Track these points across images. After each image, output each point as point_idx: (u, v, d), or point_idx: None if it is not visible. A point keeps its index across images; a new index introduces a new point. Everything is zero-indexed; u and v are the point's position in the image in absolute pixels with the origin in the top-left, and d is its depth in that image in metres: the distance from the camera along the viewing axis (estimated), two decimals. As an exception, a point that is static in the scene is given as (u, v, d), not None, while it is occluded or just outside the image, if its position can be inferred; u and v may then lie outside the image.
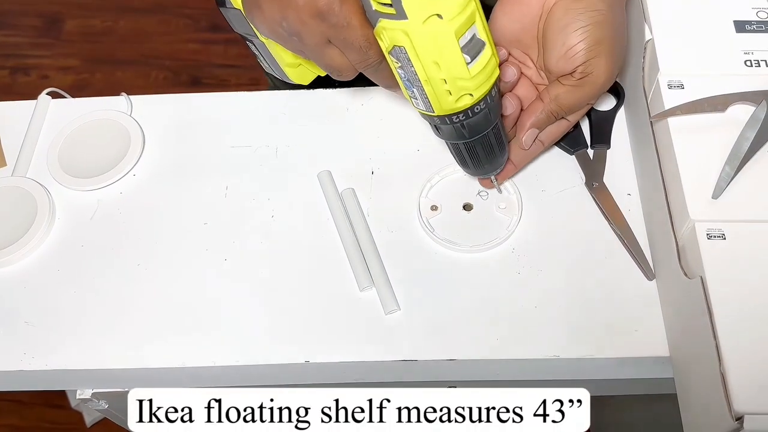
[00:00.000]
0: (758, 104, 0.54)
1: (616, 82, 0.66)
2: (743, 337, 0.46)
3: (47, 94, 0.72)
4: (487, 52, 0.48)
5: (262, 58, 0.62)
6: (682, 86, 0.57)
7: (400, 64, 0.47)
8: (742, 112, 0.54)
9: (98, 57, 1.87)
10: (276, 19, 0.47)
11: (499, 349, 0.56)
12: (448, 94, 0.48)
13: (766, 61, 0.57)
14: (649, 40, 0.59)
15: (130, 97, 0.72)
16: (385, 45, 0.46)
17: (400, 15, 0.43)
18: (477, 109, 0.50)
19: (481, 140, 0.53)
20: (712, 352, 0.46)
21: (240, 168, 0.66)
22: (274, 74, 0.64)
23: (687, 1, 0.61)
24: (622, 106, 0.66)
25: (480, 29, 0.47)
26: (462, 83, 0.48)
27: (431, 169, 0.63)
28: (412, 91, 0.49)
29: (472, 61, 0.47)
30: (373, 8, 0.45)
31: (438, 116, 0.51)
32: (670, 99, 0.56)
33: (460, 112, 0.50)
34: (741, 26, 0.59)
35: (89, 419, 1.37)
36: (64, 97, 0.73)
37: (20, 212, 0.64)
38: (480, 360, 0.56)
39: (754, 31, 0.59)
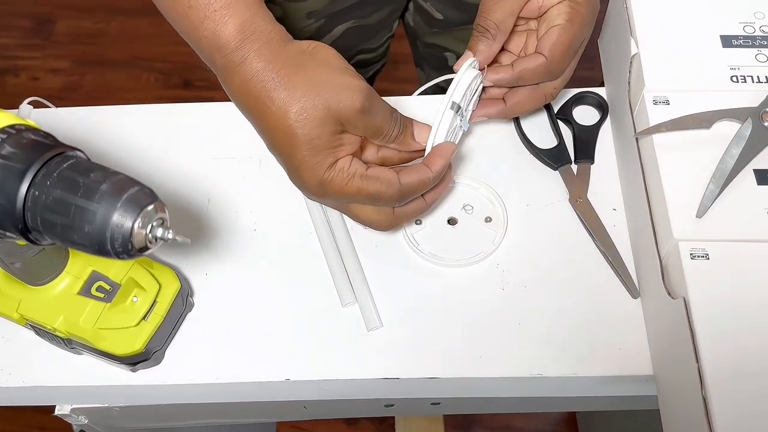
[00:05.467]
0: (744, 121, 0.53)
1: (599, 96, 0.66)
2: (726, 360, 0.45)
3: (29, 103, 0.71)
4: None
5: None
6: (667, 102, 0.56)
7: None
8: (728, 129, 0.54)
9: (89, 59, 1.86)
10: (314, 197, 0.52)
11: (482, 367, 0.55)
12: None
13: (752, 76, 0.57)
14: (635, 55, 0.59)
15: (114, 106, 0.71)
16: None
17: None
18: None
19: None
20: (694, 375, 0.45)
21: (223, 180, 0.65)
22: None
23: (673, 15, 0.60)
24: (606, 121, 0.65)
25: None
26: None
27: (416, 183, 0.63)
28: None
29: None
30: None
31: None
32: (656, 114, 0.56)
33: None
34: (728, 41, 0.58)
35: (77, 426, 1.36)
36: (48, 106, 0.72)
37: None
38: (462, 378, 0.55)
39: (740, 46, 0.58)
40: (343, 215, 0.62)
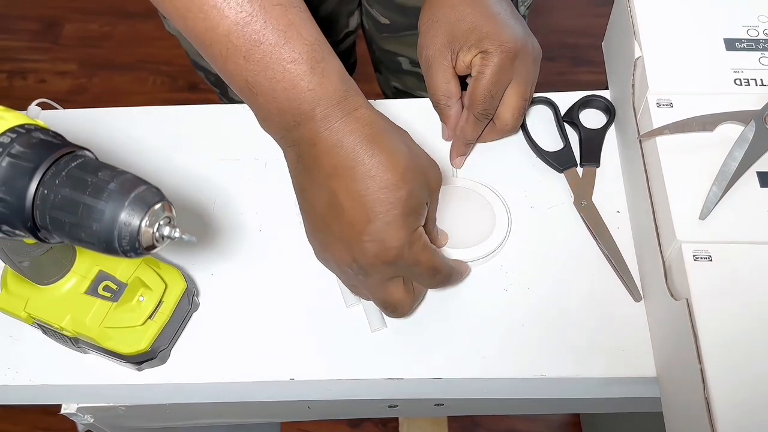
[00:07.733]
0: (747, 124, 0.54)
1: (607, 100, 0.66)
2: (729, 361, 0.45)
3: (37, 104, 0.72)
4: None
5: None
6: (671, 104, 0.57)
7: None
8: (731, 132, 0.54)
9: (96, 62, 1.87)
10: (346, 260, 0.48)
11: (485, 367, 0.55)
12: None
13: (755, 80, 0.57)
14: (638, 58, 0.59)
15: (121, 108, 0.72)
16: None
17: None
18: None
19: None
20: (696, 376, 0.45)
21: (228, 181, 0.66)
22: None
23: (677, 18, 0.60)
24: (613, 124, 0.66)
25: None
26: None
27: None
28: None
29: None
30: None
31: None
32: (659, 117, 0.56)
33: None
34: (731, 44, 0.59)
35: (82, 426, 1.36)
36: (55, 108, 0.73)
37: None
38: (466, 379, 0.55)
39: (744, 49, 0.58)
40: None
